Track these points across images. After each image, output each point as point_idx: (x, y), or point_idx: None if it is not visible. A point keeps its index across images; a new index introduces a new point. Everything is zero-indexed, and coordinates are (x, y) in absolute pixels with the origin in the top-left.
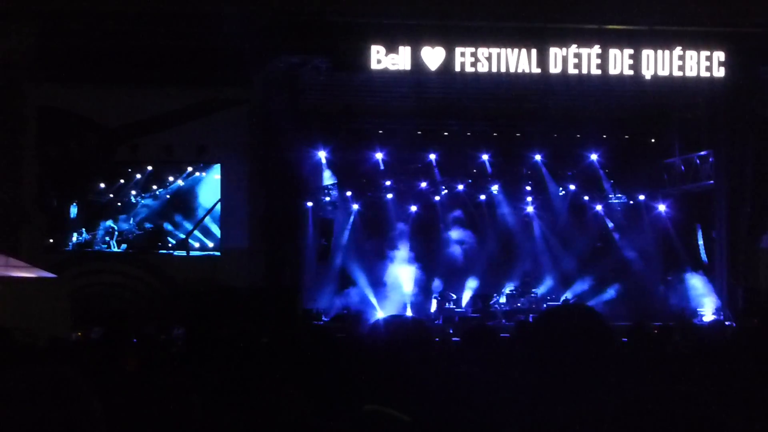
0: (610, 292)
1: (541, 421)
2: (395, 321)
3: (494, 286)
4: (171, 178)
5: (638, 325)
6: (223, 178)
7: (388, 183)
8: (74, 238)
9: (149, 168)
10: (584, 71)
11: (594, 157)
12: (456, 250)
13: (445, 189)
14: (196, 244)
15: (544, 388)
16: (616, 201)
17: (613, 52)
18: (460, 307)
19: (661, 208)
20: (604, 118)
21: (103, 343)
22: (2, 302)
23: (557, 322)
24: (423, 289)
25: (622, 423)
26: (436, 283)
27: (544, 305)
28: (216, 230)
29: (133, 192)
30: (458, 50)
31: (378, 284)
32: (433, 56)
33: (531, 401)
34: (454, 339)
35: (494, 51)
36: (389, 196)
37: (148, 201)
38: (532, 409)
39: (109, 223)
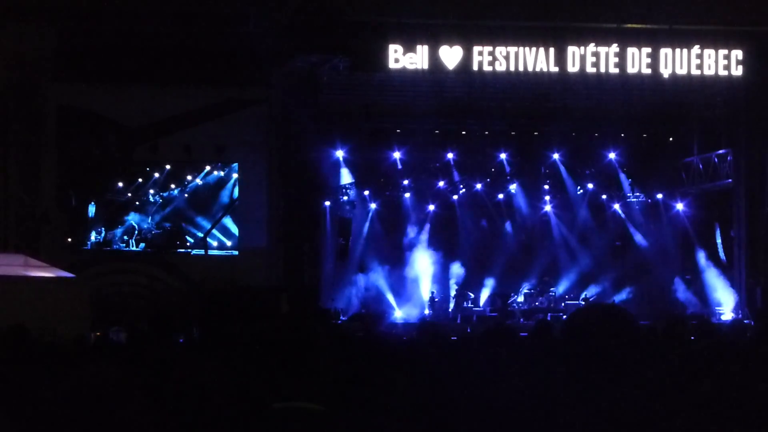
0: (629, 291)
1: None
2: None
3: (512, 285)
4: (189, 177)
5: (673, 322)
6: (242, 177)
7: (406, 182)
8: (93, 237)
9: (168, 167)
10: (602, 70)
11: (612, 155)
12: (474, 249)
13: (464, 188)
14: (215, 243)
15: (576, 387)
16: (635, 200)
17: (632, 51)
18: (479, 306)
19: (680, 207)
20: (623, 116)
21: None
22: (22, 302)
23: (590, 321)
24: (441, 287)
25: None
26: (455, 282)
27: (563, 304)
28: (234, 229)
29: (152, 191)
30: (476, 49)
31: (396, 283)
32: (451, 55)
33: (562, 400)
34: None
35: (512, 50)
36: (407, 195)
37: (167, 200)
38: (562, 408)
39: (131, 221)
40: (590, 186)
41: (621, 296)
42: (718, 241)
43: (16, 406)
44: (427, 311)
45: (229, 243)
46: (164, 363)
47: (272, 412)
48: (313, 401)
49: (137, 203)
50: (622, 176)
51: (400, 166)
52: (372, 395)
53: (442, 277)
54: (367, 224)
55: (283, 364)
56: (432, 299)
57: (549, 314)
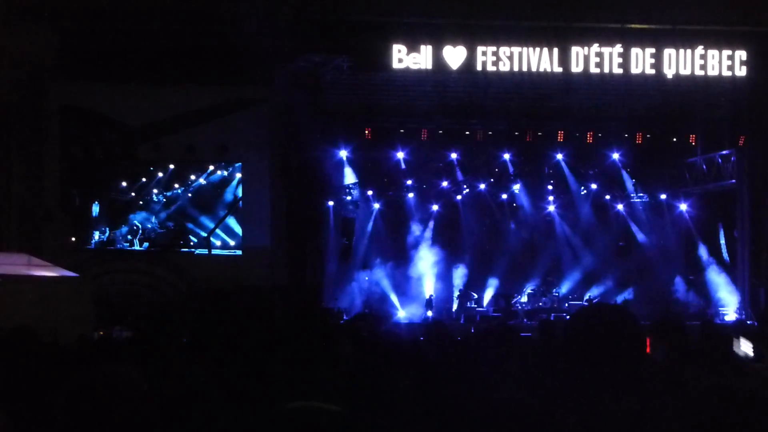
0: (632, 291)
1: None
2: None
3: (516, 285)
4: (193, 177)
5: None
6: (245, 177)
7: (409, 182)
8: (96, 236)
9: (171, 167)
10: (606, 70)
11: (616, 156)
12: (477, 248)
13: (467, 188)
14: (218, 243)
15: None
16: (638, 200)
17: (635, 51)
18: (482, 306)
19: (683, 207)
20: (626, 117)
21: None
22: (25, 301)
23: (593, 321)
24: (444, 287)
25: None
26: (458, 282)
27: (566, 304)
28: (237, 229)
29: (155, 190)
30: (480, 49)
31: (399, 283)
32: (454, 55)
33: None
34: None
35: (516, 50)
36: (410, 195)
37: (171, 199)
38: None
39: (135, 220)
40: (593, 186)
41: (624, 296)
42: (722, 241)
43: (22, 406)
44: (429, 313)
45: (232, 242)
46: (167, 363)
47: (286, 412)
48: (328, 401)
49: (141, 203)
50: (626, 176)
51: (403, 166)
52: (377, 395)
53: (445, 277)
54: (370, 224)
55: (295, 365)
56: (429, 301)
57: (552, 314)
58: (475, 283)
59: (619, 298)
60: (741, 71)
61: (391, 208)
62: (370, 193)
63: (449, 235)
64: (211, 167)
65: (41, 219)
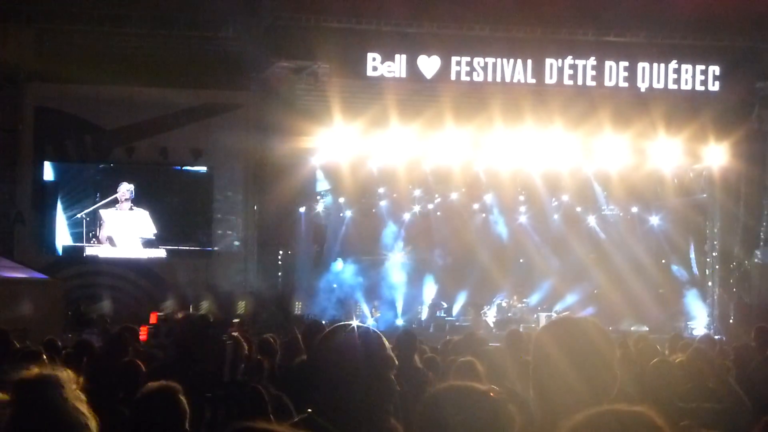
0: (602, 304)
1: None
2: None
3: (486, 295)
4: (166, 181)
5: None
6: (218, 182)
7: (381, 190)
8: (68, 239)
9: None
10: (580, 83)
11: (588, 167)
12: (448, 258)
13: (439, 197)
14: (190, 247)
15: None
16: (610, 212)
17: (609, 64)
18: (452, 315)
19: (654, 220)
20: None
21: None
22: None
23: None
24: (415, 296)
25: None
26: (429, 291)
27: (535, 315)
28: (209, 233)
29: (128, 192)
30: (454, 59)
31: (370, 291)
32: (429, 65)
33: None
34: None
35: (490, 60)
36: (383, 203)
37: (142, 203)
38: None
39: (104, 222)
40: (565, 197)
41: (593, 309)
42: (692, 255)
43: None
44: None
45: (204, 247)
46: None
47: None
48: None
49: (115, 207)
50: (597, 188)
51: (376, 174)
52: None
53: (416, 286)
54: (342, 231)
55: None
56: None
57: (521, 325)
58: (446, 292)
59: (589, 311)
60: (714, 86)
61: (363, 216)
62: (342, 200)
63: (420, 243)
64: (184, 170)
65: (14, 221)
